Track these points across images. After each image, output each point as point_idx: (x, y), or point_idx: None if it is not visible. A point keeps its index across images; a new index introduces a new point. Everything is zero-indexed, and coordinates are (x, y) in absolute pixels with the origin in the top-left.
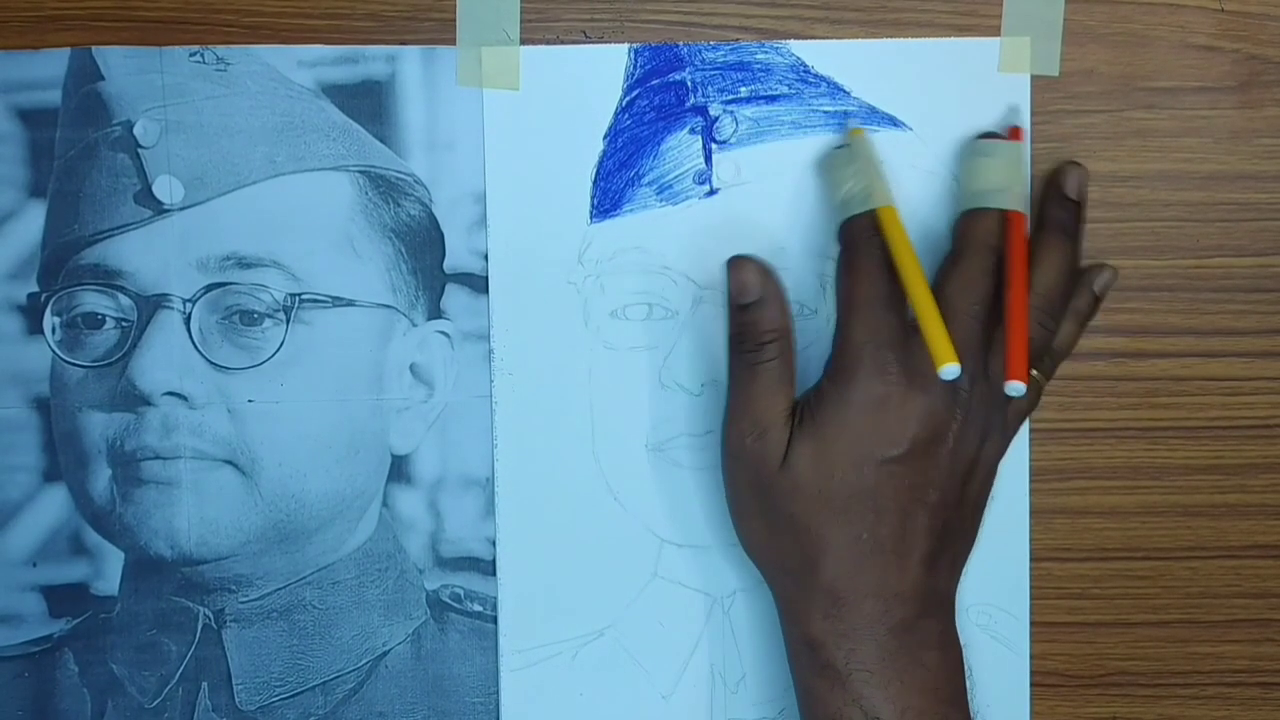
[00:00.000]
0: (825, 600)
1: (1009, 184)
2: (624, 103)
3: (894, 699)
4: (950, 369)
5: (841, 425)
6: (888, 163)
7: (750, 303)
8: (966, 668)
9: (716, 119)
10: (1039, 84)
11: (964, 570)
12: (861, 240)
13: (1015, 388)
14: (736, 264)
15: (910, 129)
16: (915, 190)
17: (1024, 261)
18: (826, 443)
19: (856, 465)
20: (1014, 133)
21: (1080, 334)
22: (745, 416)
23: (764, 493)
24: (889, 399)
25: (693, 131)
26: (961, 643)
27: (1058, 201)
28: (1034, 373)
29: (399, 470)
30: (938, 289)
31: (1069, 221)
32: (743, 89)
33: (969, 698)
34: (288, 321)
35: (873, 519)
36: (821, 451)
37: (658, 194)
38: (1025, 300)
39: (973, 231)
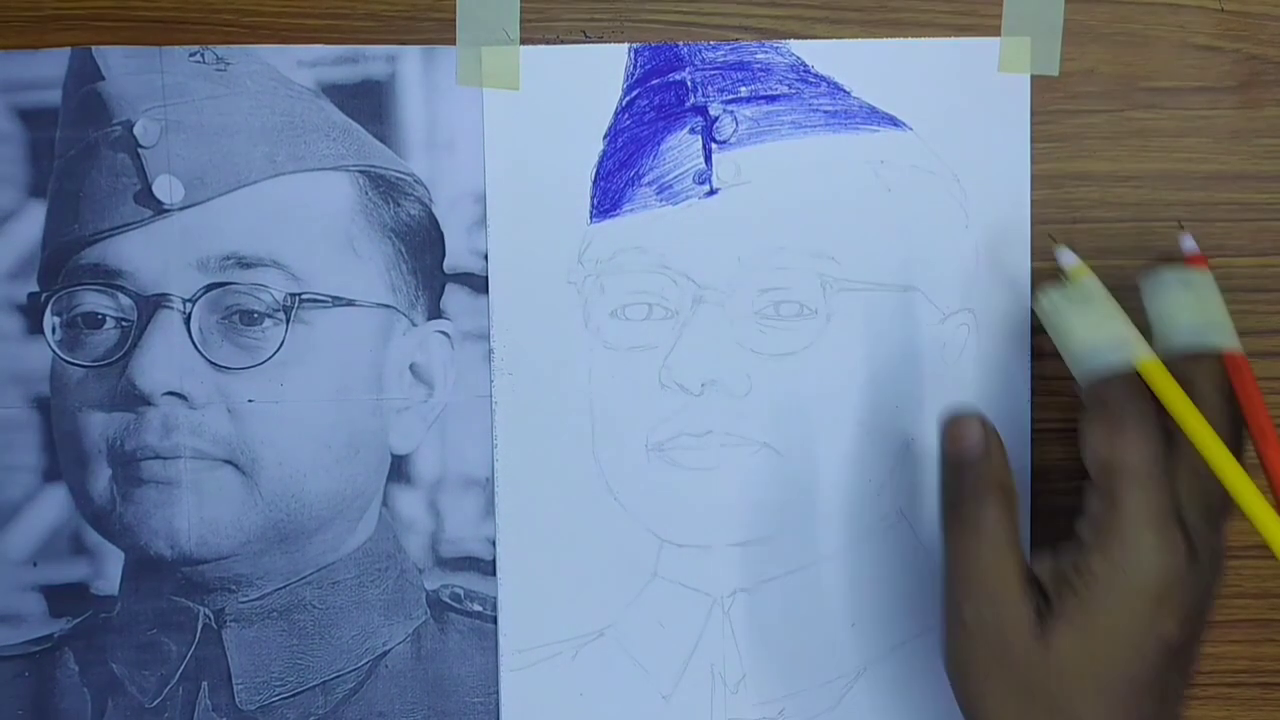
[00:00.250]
0: None
1: (1210, 316)
2: (624, 102)
3: None
4: None
5: (1122, 610)
6: (889, 163)
7: (974, 459)
8: None
9: (716, 119)
10: (1039, 84)
11: None
12: (1125, 399)
13: None
14: (957, 421)
15: (910, 129)
16: (915, 190)
17: (1264, 407)
18: (1101, 628)
19: (1139, 654)
20: (1197, 260)
21: None
22: (975, 588)
23: (1014, 669)
24: (1175, 580)
25: (693, 131)
26: None
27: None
28: None
29: (399, 470)
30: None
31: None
32: (743, 89)
33: None
34: (287, 321)
35: (1155, 708)
36: (1094, 636)
37: (658, 194)
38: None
39: (1199, 379)
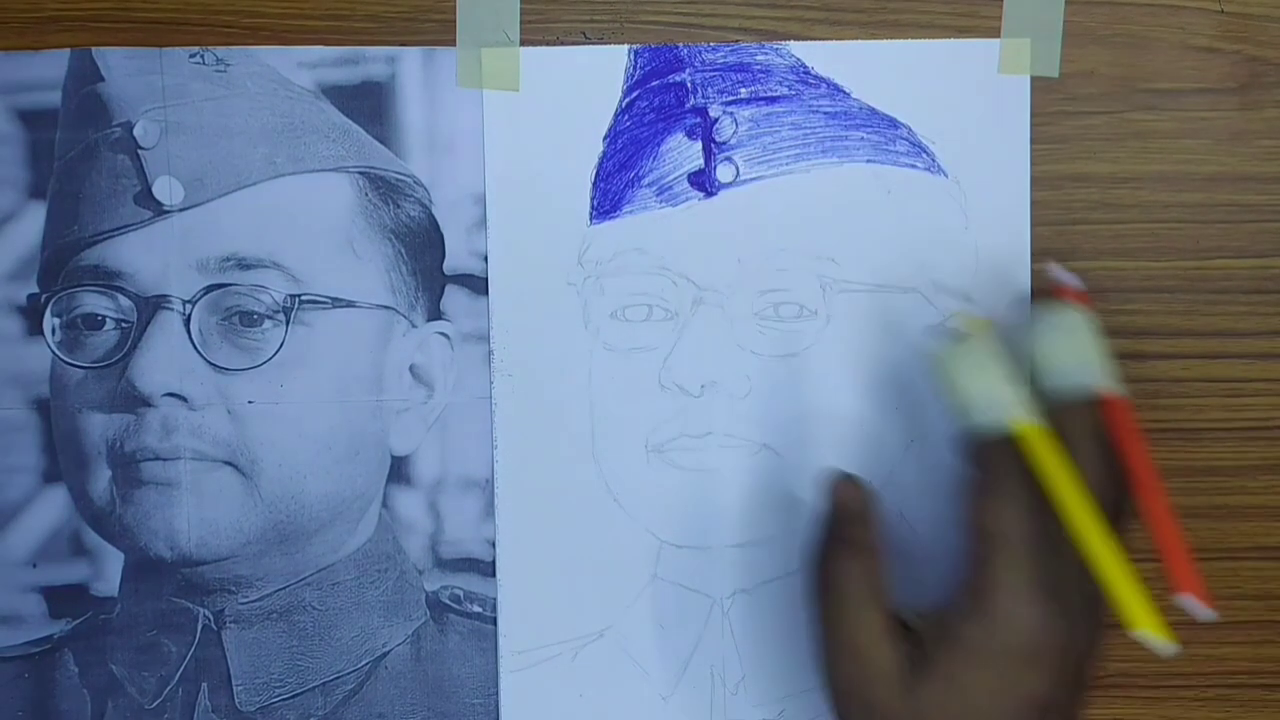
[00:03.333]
0: None
1: (1087, 358)
2: (624, 104)
3: None
4: (1168, 647)
5: (988, 671)
6: (889, 165)
7: (849, 516)
8: None
9: (716, 120)
10: (1039, 85)
11: None
12: (1001, 462)
13: (1204, 613)
14: (840, 479)
15: (910, 130)
16: (915, 192)
17: (1144, 452)
18: (966, 688)
19: (1002, 712)
20: (1080, 297)
21: None
22: (841, 647)
23: (884, 713)
24: (1041, 647)
25: (692, 133)
26: None
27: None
28: None
29: (399, 471)
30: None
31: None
32: (743, 90)
33: None
34: (287, 322)
35: None
36: (958, 696)
37: (657, 195)
38: (1164, 498)
39: (1071, 424)
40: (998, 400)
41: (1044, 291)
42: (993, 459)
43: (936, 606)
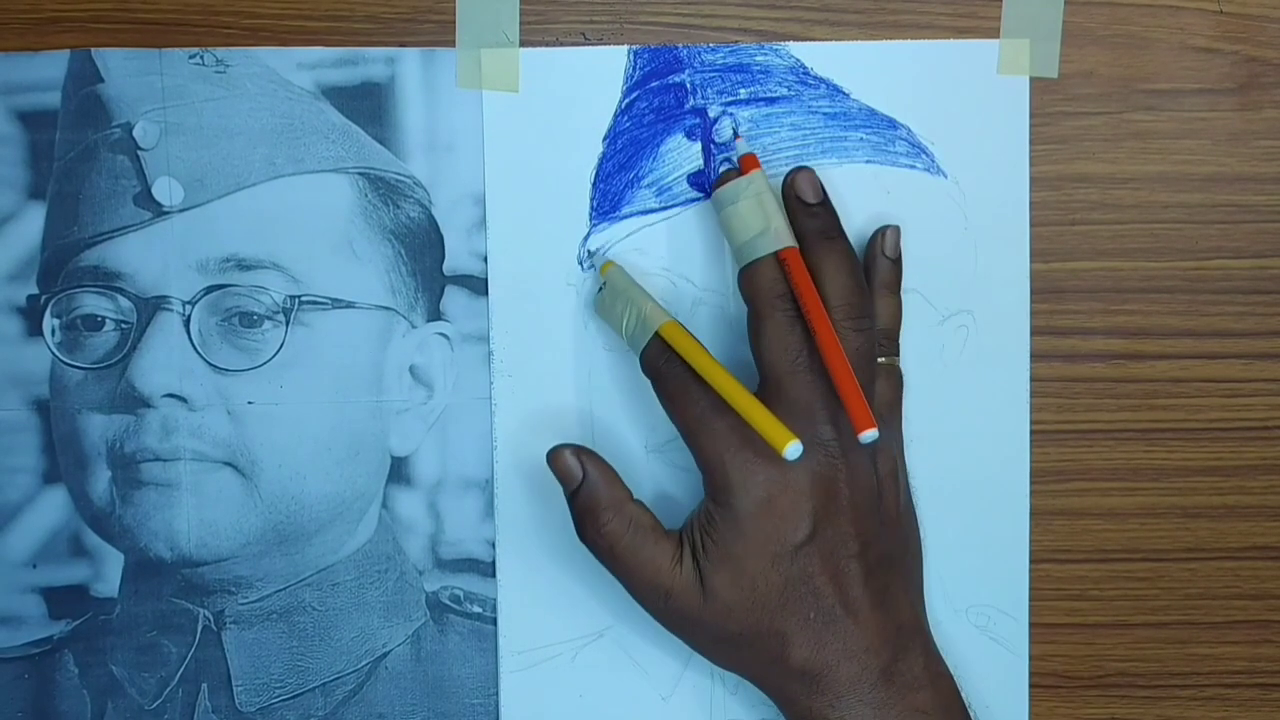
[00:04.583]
0: (803, 681)
1: (765, 222)
2: (623, 105)
3: None
4: (792, 449)
5: (742, 539)
6: (887, 165)
7: (578, 487)
8: (960, 688)
9: (716, 121)
10: (1038, 86)
11: (923, 585)
12: (662, 366)
13: (868, 436)
14: (553, 455)
15: (909, 131)
16: (914, 192)
17: (816, 300)
18: (735, 560)
19: (774, 564)
20: (747, 162)
21: (899, 297)
22: (642, 592)
23: (703, 628)
24: (772, 495)
25: (692, 134)
26: (950, 667)
27: (802, 210)
28: (881, 359)
29: (399, 472)
30: (757, 358)
31: (822, 224)
32: (742, 91)
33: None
34: (287, 323)
35: (812, 598)
36: (735, 570)
37: (657, 196)
38: (836, 342)
39: (757, 288)
40: (638, 319)
41: (729, 171)
42: (654, 365)
43: (696, 518)
